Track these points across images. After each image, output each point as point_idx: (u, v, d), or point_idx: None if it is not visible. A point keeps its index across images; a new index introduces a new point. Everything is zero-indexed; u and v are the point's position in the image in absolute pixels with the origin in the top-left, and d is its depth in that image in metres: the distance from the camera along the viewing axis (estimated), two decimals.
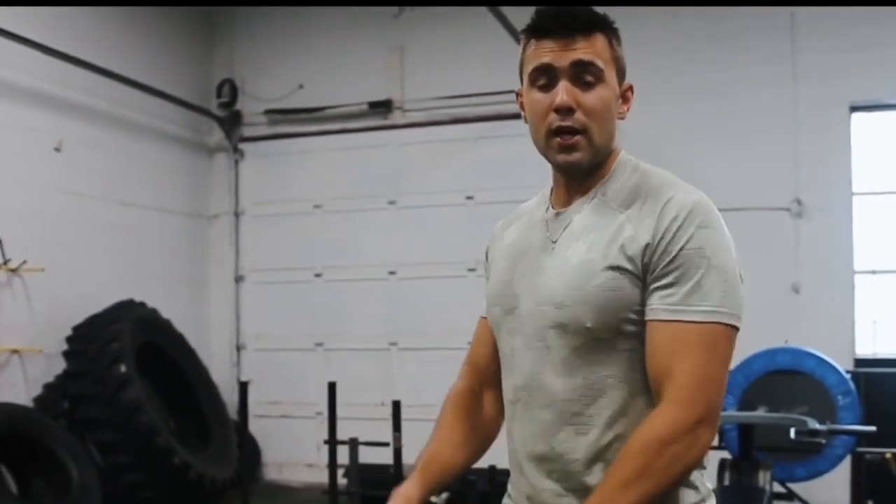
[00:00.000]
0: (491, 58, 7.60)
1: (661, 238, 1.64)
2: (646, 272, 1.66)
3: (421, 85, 8.02)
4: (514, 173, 7.64)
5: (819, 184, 7.06)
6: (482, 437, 2.00)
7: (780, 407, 5.72)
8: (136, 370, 6.49)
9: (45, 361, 6.56)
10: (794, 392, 5.82)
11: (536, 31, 1.75)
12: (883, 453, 5.33)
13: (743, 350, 6.02)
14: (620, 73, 1.78)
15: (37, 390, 6.51)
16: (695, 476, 1.72)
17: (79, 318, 6.71)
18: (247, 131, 8.61)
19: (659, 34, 7.35)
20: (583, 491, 1.70)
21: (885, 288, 7.13)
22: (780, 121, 7.11)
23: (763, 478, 5.33)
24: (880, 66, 6.94)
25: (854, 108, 7.07)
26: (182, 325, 7.53)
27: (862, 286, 7.10)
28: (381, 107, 8.11)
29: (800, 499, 6.29)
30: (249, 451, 7.37)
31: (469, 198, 7.79)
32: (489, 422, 2.00)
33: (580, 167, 1.76)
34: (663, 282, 1.64)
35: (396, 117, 8.11)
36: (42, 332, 6.56)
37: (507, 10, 6.09)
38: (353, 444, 5.99)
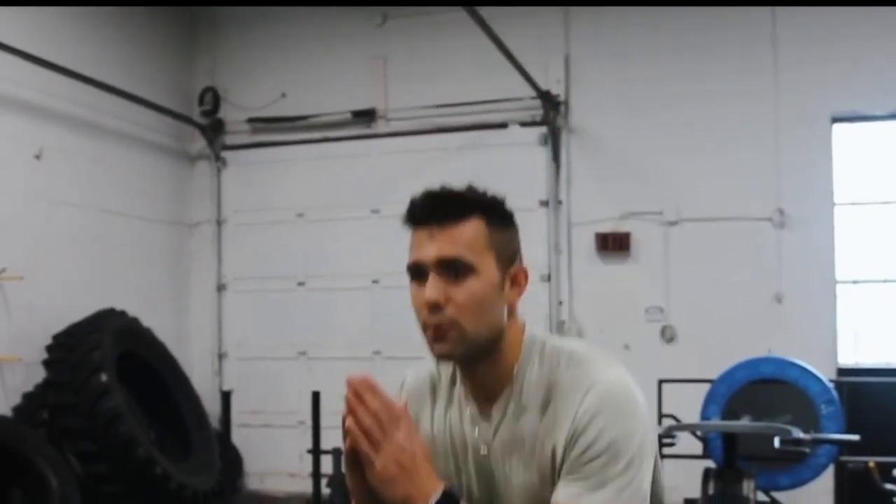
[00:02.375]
0: (474, 67, 7.62)
1: (574, 435, 1.62)
2: (560, 467, 1.64)
3: (404, 94, 8.02)
4: (497, 183, 7.61)
5: (801, 194, 7.11)
6: None
7: (763, 416, 5.70)
8: (116, 379, 6.44)
9: (24, 370, 6.49)
10: (778, 401, 5.82)
11: (408, 220, 1.69)
12: (866, 462, 5.35)
13: (726, 359, 6.06)
14: (505, 258, 1.70)
15: (16, 399, 6.44)
16: None
17: (59, 327, 6.65)
18: (229, 139, 8.57)
19: (641, 44, 7.41)
20: None
21: (866, 297, 7.18)
22: (763, 132, 7.16)
23: (747, 487, 5.32)
24: (861, 78, 7.00)
25: (835, 119, 7.11)
26: (163, 334, 7.48)
27: (844, 296, 7.14)
28: (365, 116, 8.10)
29: None
30: (231, 460, 7.31)
31: None
32: None
33: (452, 358, 1.71)
34: (570, 475, 1.62)
35: (380, 126, 8.10)
36: (21, 340, 6.49)
37: (491, 20, 6.09)
38: (337, 453, 5.96)
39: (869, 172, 7.19)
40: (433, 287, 1.64)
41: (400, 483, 1.58)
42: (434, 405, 1.84)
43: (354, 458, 1.63)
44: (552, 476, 1.66)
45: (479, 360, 1.71)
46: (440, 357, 1.70)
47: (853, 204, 7.19)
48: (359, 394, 1.58)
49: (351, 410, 1.58)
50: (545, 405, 1.68)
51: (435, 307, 1.64)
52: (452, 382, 1.82)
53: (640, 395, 1.68)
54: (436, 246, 1.65)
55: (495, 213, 1.71)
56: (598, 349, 1.74)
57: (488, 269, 1.66)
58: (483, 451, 1.74)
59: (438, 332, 1.66)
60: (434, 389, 1.85)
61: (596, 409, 1.61)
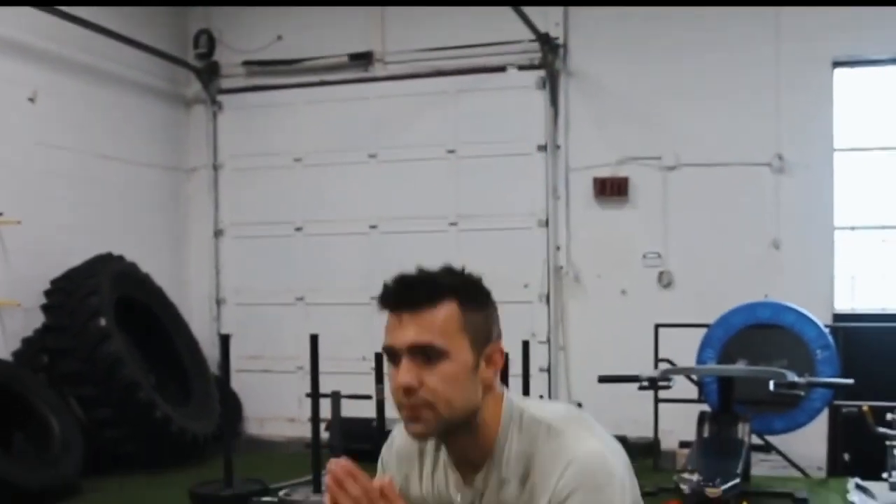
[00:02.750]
0: (472, 10, 7.52)
1: None
2: None
3: (402, 37, 7.92)
4: (495, 127, 7.60)
5: (800, 140, 7.07)
6: None
7: (759, 361, 5.75)
8: (115, 324, 6.47)
9: (23, 315, 6.50)
10: (774, 346, 5.86)
11: (382, 304, 1.70)
12: (860, 406, 5.40)
13: (723, 304, 6.09)
14: (480, 339, 1.71)
15: (15, 345, 6.47)
16: None
17: (57, 272, 6.65)
18: (225, 83, 8.48)
19: None
20: None
21: (863, 244, 7.18)
22: (763, 77, 7.09)
23: (742, 430, 5.38)
24: (862, 22, 6.91)
25: (836, 64, 7.05)
26: (161, 279, 7.49)
27: (841, 242, 7.15)
28: (362, 59, 8.00)
29: (778, 451, 6.39)
30: (231, 405, 7.37)
31: (450, 151, 7.74)
32: None
33: (426, 437, 1.74)
34: None
35: (377, 70, 8.01)
36: (19, 285, 6.49)
37: None
38: (336, 397, 6.00)
39: (869, 118, 7.13)
40: (406, 372, 1.66)
41: None
42: (422, 467, 1.87)
43: None
44: None
45: (457, 434, 1.74)
46: (415, 437, 1.73)
47: (853, 150, 7.15)
48: (339, 480, 1.59)
49: (332, 496, 1.59)
50: (525, 478, 1.71)
51: (408, 391, 1.66)
52: (437, 447, 1.85)
53: (618, 463, 1.70)
54: (408, 332, 1.67)
55: (469, 295, 1.72)
56: (576, 416, 1.76)
57: (461, 352, 1.68)
58: None
59: (412, 412, 1.68)
60: (421, 452, 1.88)
61: (573, 487, 1.64)
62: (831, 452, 6.38)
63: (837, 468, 6.21)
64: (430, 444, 1.86)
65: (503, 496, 1.74)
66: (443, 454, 1.84)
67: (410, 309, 1.67)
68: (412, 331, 1.66)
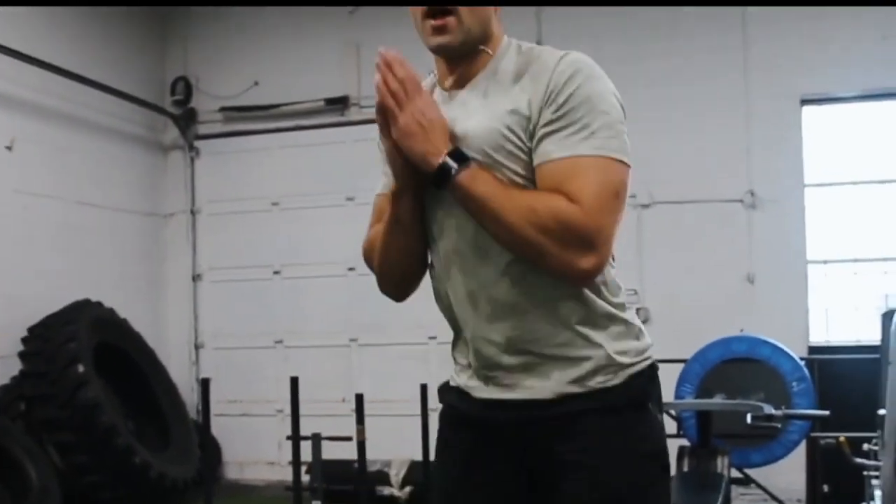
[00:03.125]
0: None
1: (551, 93, 1.76)
2: (535, 128, 1.77)
3: None
4: None
5: (771, 175, 7.19)
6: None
7: (736, 394, 5.78)
8: (93, 370, 6.46)
9: None
10: (751, 379, 5.91)
11: None
12: (837, 437, 5.45)
13: (699, 339, 6.14)
14: None
15: None
16: (623, 311, 1.95)
17: (34, 319, 6.65)
18: (202, 129, 8.57)
19: (612, 24, 7.45)
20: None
21: (836, 277, 7.29)
22: (733, 113, 7.24)
23: (721, 463, 5.40)
24: (830, 60, 7.08)
25: (805, 101, 7.21)
26: (139, 324, 7.51)
27: (815, 275, 7.25)
28: (338, 103, 8.11)
29: (757, 484, 6.42)
30: (210, 450, 7.34)
31: None
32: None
33: (452, 49, 1.88)
34: (552, 128, 1.75)
35: (353, 113, 8.10)
36: None
37: None
38: (317, 438, 5.97)
39: (837, 154, 7.28)
40: None
41: (419, 139, 1.78)
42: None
43: (384, 120, 1.82)
44: (512, 121, 1.79)
45: (464, 58, 1.90)
46: (440, 48, 1.88)
47: (822, 185, 7.28)
48: (388, 62, 1.80)
49: (381, 73, 1.79)
50: (519, 77, 1.83)
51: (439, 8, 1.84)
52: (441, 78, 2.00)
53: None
54: None
55: None
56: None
57: None
58: (450, 124, 1.85)
59: (437, 22, 1.85)
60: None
61: (571, 72, 1.77)
62: (810, 484, 6.42)
63: (817, 500, 6.26)
64: (432, 78, 2.03)
65: (493, 93, 1.85)
66: (435, 82, 2.02)
67: None
68: None
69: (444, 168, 1.76)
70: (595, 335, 1.85)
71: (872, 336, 6.35)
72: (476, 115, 1.84)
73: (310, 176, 8.19)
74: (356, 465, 5.46)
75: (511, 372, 1.86)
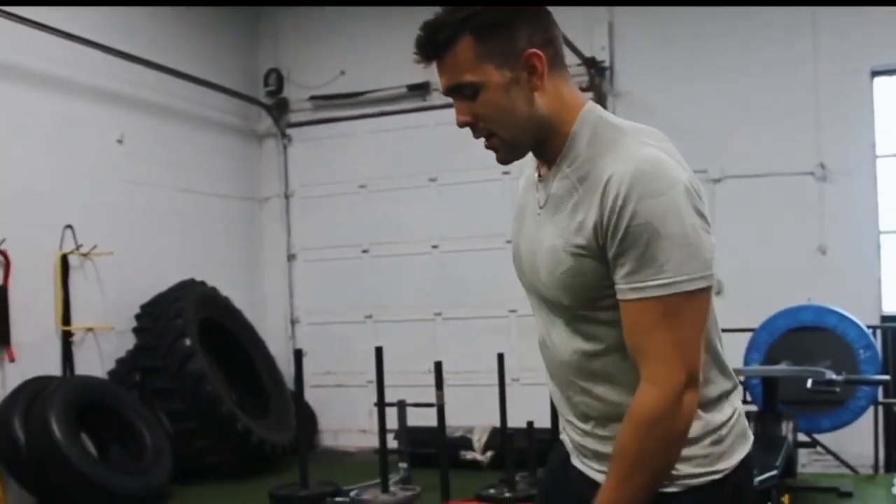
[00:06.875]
0: None
1: (608, 218, 1.65)
2: (604, 250, 1.68)
3: None
4: None
5: (842, 148, 7.22)
6: None
7: (803, 362, 5.88)
8: (199, 344, 6.91)
9: (116, 338, 7.01)
10: (818, 348, 5.99)
11: (418, 60, 1.78)
12: None
13: (770, 309, 6.29)
14: (507, 56, 1.71)
15: (110, 365, 6.96)
16: (720, 402, 1.78)
17: (146, 298, 7.15)
18: (293, 117, 8.99)
19: (682, 9, 7.55)
20: (592, 436, 1.87)
21: None
22: (802, 86, 7.26)
23: (785, 427, 5.57)
24: None
25: (875, 73, 7.23)
26: (239, 301, 7.97)
27: (888, 246, 7.29)
28: (419, 89, 8.41)
29: (826, 449, 6.56)
30: (306, 418, 7.74)
31: (506, 173, 8.04)
32: None
33: (508, 162, 1.84)
34: (620, 261, 1.66)
35: (434, 98, 8.37)
36: (113, 311, 7.00)
37: None
38: (402, 405, 6.38)
39: None
40: (458, 113, 1.77)
41: None
42: (528, 169, 1.99)
43: None
44: (574, 243, 1.71)
45: (540, 145, 1.81)
46: (503, 163, 1.84)
47: (895, 156, 7.31)
48: None
49: None
50: (583, 178, 1.73)
51: (467, 126, 1.78)
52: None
53: (681, 174, 1.68)
54: (442, 78, 1.76)
55: (480, 23, 1.71)
56: (655, 132, 1.80)
57: (491, 77, 1.71)
58: (538, 211, 1.85)
59: (487, 144, 1.80)
60: (528, 161, 1.97)
61: (625, 193, 1.63)
62: (882, 449, 6.53)
63: (890, 465, 6.36)
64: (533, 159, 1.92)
65: (563, 193, 1.77)
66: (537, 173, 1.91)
67: (436, 57, 1.74)
68: (444, 76, 1.75)
69: None
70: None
71: None
72: (549, 223, 1.80)
73: (394, 159, 8.53)
74: (437, 429, 5.80)
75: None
